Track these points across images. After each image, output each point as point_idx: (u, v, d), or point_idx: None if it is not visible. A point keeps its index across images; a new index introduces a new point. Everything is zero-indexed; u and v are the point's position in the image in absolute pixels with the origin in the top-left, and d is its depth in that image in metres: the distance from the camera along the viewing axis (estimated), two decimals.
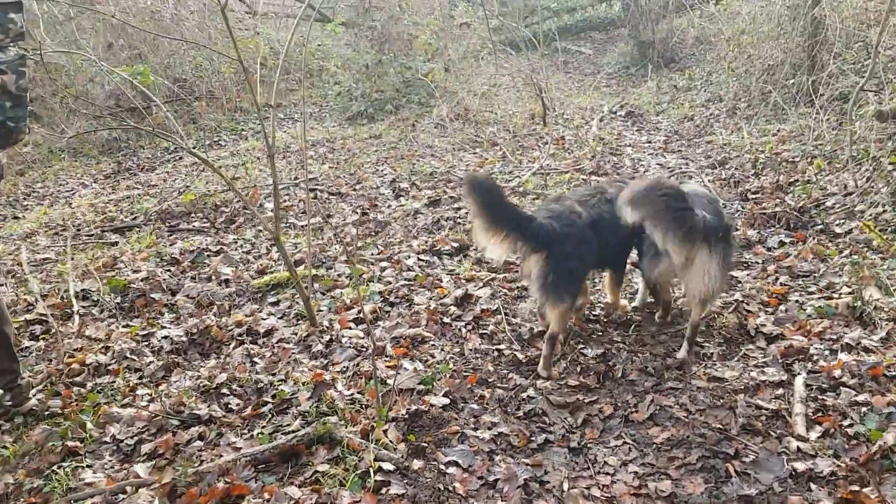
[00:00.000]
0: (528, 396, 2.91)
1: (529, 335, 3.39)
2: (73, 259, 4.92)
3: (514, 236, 2.94)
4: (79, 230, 5.75)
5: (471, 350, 3.29)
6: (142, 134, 9.95)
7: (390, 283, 4.07)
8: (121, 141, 9.84)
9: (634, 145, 7.13)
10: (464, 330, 3.47)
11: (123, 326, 3.83)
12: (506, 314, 3.58)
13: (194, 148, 9.17)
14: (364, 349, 3.30)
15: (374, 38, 10.58)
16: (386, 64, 10.02)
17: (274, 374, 3.20)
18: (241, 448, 2.64)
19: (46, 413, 3.00)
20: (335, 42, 12.86)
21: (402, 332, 3.42)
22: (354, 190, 6.14)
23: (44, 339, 3.75)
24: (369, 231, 5.05)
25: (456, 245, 4.53)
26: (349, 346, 3.34)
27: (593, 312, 3.64)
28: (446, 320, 3.55)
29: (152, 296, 4.15)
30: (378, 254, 4.57)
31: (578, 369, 3.13)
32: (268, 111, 7.79)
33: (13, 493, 2.52)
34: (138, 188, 7.22)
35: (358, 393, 2.94)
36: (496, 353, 3.26)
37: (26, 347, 3.65)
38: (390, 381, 2.95)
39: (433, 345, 3.33)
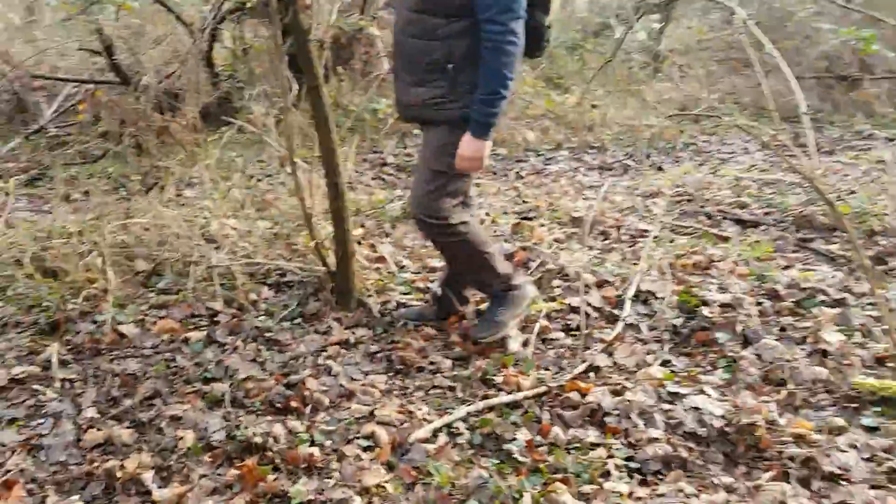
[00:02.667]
0: None
1: None
2: (669, 244, 4.21)
3: None
4: (702, 207, 4.99)
5: None
6: (839, 106, 8.51)
7: None
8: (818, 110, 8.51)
9: None
10: None
11: (661, 364, 2.97)
12: None
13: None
14: None
15: None
16: None
17: None
18: None
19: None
20: None
21: None
22: None
23: (573, 335, 3.17)
24: None
25: None
26: None
27: None
28: None
29: (717, 335, 3.15)
30: None
31: None
32: None
33: None
34: (796, 173, 6.02)
35: None
36: None
37: (552, 339, 3.13)
38: None
39: None
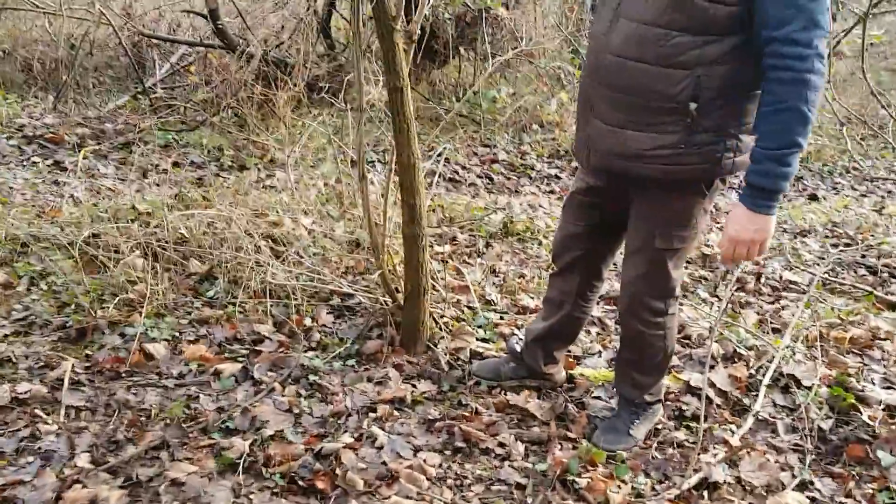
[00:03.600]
0: None
1: None
2: (820, 303, 3.43)
3: None
4: (863, 257, 4.12)
5: None
6: None
7: None
8: None
9: None
10: None
11: (798, 485, 2.27)
12: None
13: None
14: None
15: None
16: None
17: None
18: None
19: None
20: None
21: None
22: None
23: (687, 428, 2.50)
24: None
25: None
26: None
27: None
28: None
29: (878, 453, 2.39)
30: None
31: None
32: None
33: None
34: None
35: None
36: None
37: (658, 430, 2.47)
38: None
39: None
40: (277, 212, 3.67)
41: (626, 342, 2.36)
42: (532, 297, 3.23)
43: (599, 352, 2.86)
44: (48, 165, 4.79)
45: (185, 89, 6.22)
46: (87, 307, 2.74)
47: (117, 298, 2.79)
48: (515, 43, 6.75)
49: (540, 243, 3.83)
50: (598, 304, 2.67)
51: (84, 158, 4.97)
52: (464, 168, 5.47)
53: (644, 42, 1.87)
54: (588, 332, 3.00)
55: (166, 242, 3.22)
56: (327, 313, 2.96)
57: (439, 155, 5.51)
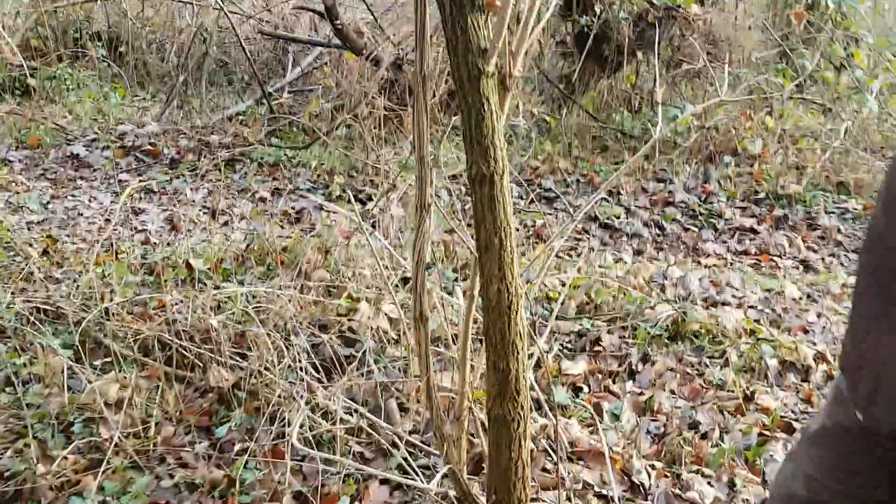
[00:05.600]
0: None
1: None
2: None
3: None
4: None
5: None
6: None
7: None
8: None
9: None
10: None
11: None
12: None
13: None
14: None
15: None
16: None
17: None
18: None
19: None
20: None
21: None
22: None
23: None
24: None
25: None
26: None
27: None
28: None
29: None
30: None
31: None
32: None
33: None
34: None
35: None
36: None
37: None
38: None
39: None
40: (354, 289, 2.71)
41: None
42: (708, 479, 2.03)
43: None
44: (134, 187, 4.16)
45: (308, 97, 5.45)
46: (32, 454, 1.90)
47: (73, 443, 1.93)
48: (709, 47, 5.42)
49: (726, 361, 2.59)
50: None
51: (178, 178, 4.32)
52: (627, 210, 4.27)
53: None
54: None
55: (188, 335, 2.35)
56: (381, 483, 1.94)
57: (606, 198, 4.35)
